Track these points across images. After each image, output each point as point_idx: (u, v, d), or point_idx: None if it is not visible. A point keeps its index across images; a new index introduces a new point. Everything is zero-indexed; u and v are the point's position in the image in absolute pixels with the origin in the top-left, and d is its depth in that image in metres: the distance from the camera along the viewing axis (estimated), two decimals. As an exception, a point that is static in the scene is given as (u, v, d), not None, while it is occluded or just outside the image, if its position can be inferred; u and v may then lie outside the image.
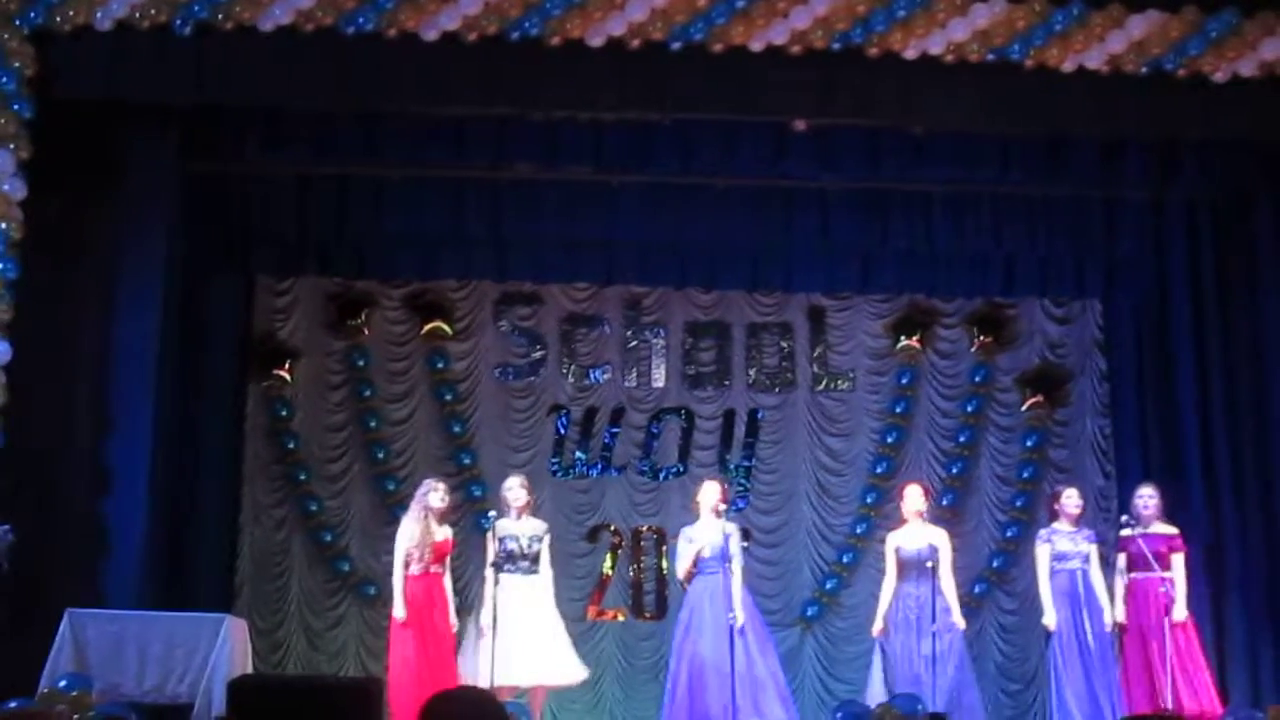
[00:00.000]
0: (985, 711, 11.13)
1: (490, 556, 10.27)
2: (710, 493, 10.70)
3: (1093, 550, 10.78)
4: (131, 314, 10.92)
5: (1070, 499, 10.84)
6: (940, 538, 10.73)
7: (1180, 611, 10.39)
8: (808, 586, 12.93)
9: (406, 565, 10.30)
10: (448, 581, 10.46)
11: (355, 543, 12.73)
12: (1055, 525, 10.83)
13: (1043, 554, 10.70)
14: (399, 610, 10.22)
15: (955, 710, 10.16)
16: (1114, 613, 10.60)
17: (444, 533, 10.46)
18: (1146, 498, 10.72)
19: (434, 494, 10.45)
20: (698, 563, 10.50)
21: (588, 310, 13.25)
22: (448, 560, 10.48)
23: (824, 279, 13.11)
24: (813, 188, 12.25)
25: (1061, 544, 10.68)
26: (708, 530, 10.54)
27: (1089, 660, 10.46)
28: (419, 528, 10.33)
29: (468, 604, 11.16)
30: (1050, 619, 10.52)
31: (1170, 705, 10.09)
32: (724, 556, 10.39)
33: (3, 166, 10.37)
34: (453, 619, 10.39)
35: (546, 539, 10.57)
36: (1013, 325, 13.35)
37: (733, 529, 10.66)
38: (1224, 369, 12.12)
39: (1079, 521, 10.90)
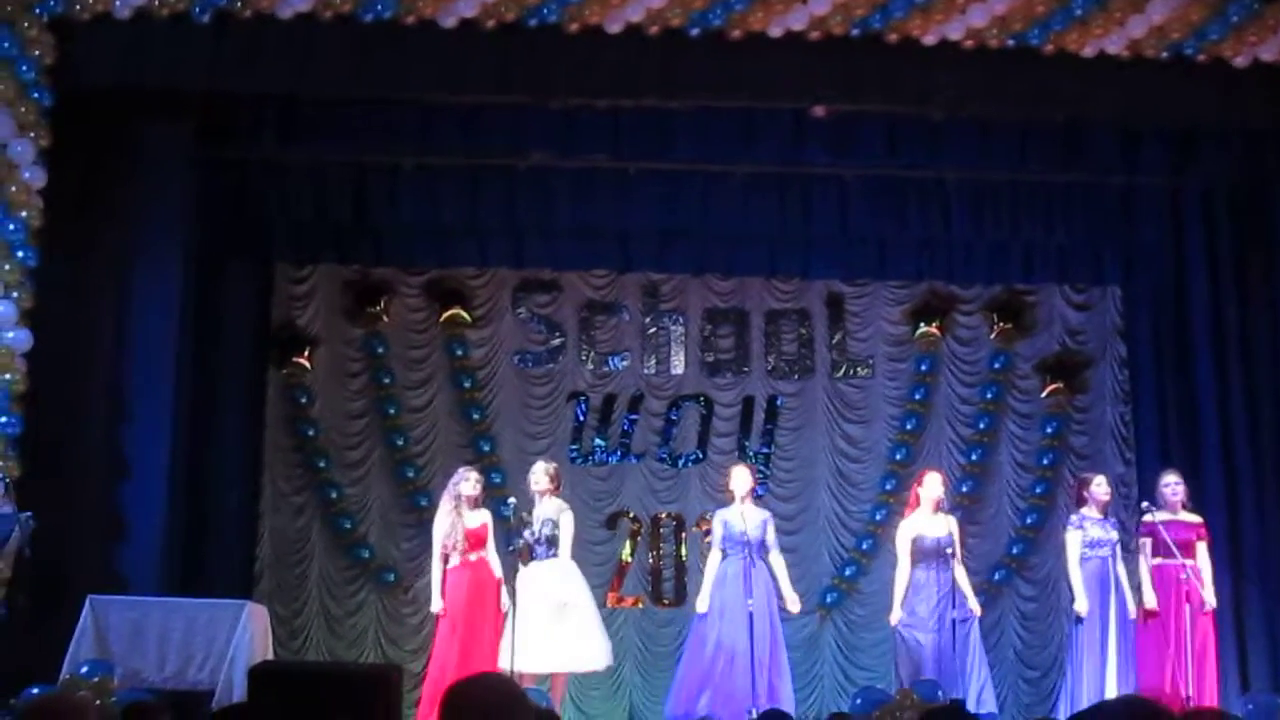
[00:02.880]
0: (997, 697, 11.16)
1: (511, 545, 10.31)
2: (742, 478, 10.73)
3: (1117, 538, 10.75)
4: (150, 301, 10.97)
5: (1100, 486, 10.77)
6: (953, 525, 10.72)
7: (1210, 598, 10.37)
8: (826, 573, 12.90)
9: (445, 559, 10.32)
10: (494, 563, 10.45)
11: (375, 530, 12.75)
12: (1084, 512, 10.76)
13: (1074, 540, 10.62)
14: (435, 603, 10.27)
15: (973, 698, 10.16)
16: (1145, 598, 10.53)
17: (477, 519, 10.43)
18: (1173, 485, 10.67)
19: (465, 483, 10.45)
20: (725, 545, 10.55)
21: (606, 297, 13.23)
22: (489, 544, 10.47)
23: (843, 266, 13.10)
24: (831, 174, 12.25)
25: (1093, 530, 10.61)
26: (742, 515, 10.55)
27: (1107, 646, 10.41)
28: (449, 518, 10.34)
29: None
30: (1082, 604, 10.41)
31: (1190, 692, 10.07)
32: (760, 544, 10.46)
33: (23, 155, 10.40)
34: (504, 600, 10.35)
35: (561, 520, 10.44)
36: (1032, 312, 13.29)
37: (768, 515, 10.75)
38: (1243, 355, 12.10)
39: (1106, 509, 10.85)
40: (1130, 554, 10.97)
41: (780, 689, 10.32)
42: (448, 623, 10.23)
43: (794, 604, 10.60)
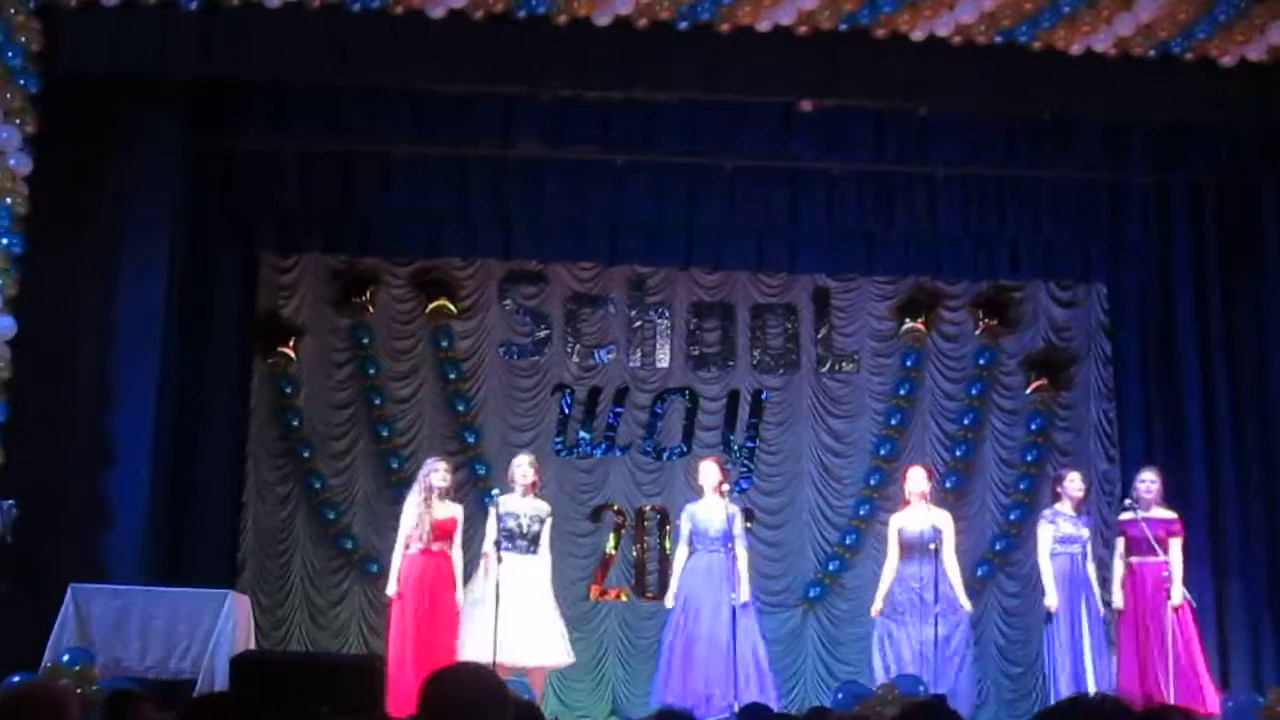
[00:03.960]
0: (977, 696, 11.20)
1: (491, 534, 10.35)
2: (709, 472, 10.81)
3: (1088, 535, 10.80)
4: (136, 289, 10.93)
5: (1073, 482, 10.83)
6: (944, 520, 10.74)
7: (1177, 595, 10.39)
8: (810, 568, 12.93)
9: (406, 545, 10.37)
10: (456, 558, 10.51)
11: (359, 520, 12.73)
12: (1058, 507, 10.82)
13: (1045, 534, 10.69)
14: (390, 587, 10.38)
15: (951, 694, 10.17)
16: (1112, 596, 10.61)
17: (447, 510, 10.50)
18: (1149, 482, 10.72)
19: (435, 474, 10.52)
20: (694, 539, 10.62)
21: (593, 290, 13.23)
22: (456, 537, 10.52)
23: (829, 260, 13.11)
24: (819, 169, 12.25)
25: (1065, 526, 10.67)
26: (710, 509, 10.61)
27: (1081, 644, 10.45)
28: (417, 510, 10.40)
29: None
30: (1052, 599, 10.51)
31: (1168, 691, 10.09)
32: (726, 537, 10.47)
33: (8, 141, 10.35)
34: (459, 596, 10.42)
35: (548, 521, 10.66)
36: (1017, 308, 13.32)
37: (735, 509, 10.76)
38: (1228, 353, 12.14)
39: (1081, 505, 10.90)
40: (1106, 550, 11.02)
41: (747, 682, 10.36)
42: (401, 608, 10.30)
43: (743, 595, 10.51)
